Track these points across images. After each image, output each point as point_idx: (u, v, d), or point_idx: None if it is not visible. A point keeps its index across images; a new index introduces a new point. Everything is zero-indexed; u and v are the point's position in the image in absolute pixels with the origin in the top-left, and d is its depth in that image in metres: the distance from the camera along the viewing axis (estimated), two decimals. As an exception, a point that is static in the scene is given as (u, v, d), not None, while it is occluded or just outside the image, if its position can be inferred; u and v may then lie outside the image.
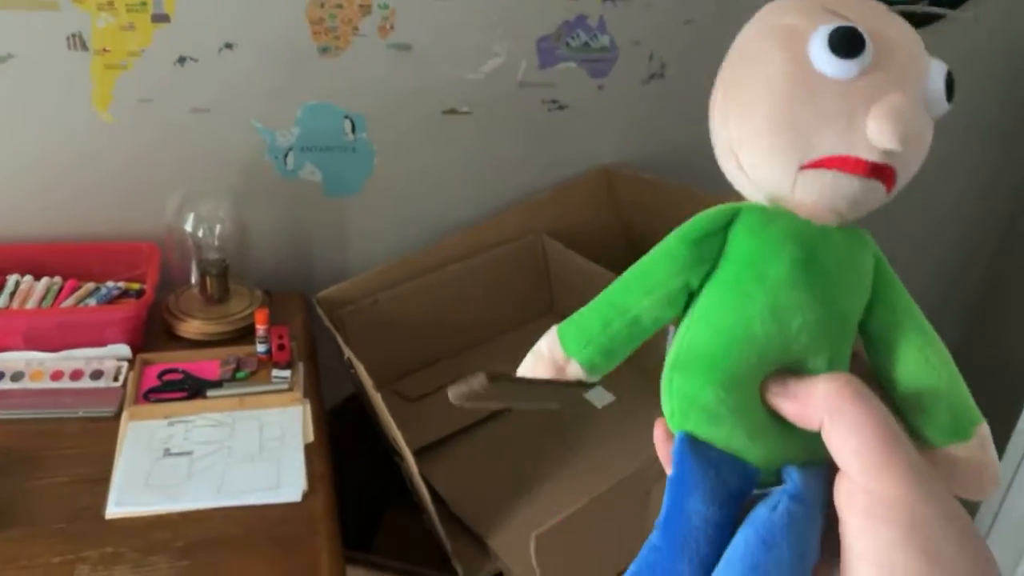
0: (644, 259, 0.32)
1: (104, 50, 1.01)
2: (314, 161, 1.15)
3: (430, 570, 0.93)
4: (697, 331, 0.31)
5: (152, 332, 1.02)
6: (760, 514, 0.28)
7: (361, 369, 0.89)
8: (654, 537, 0.29)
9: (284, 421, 0.90)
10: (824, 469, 0.29)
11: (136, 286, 1.04)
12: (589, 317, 0.33)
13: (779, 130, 0.29)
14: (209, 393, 0.92)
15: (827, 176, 0.29)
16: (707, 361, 0.30)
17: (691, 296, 0.32)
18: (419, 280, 1.09)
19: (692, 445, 0.30)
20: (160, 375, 0.95)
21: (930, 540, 0.25)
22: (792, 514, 0.28)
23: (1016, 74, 1.50)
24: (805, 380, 0.29)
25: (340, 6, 1.07)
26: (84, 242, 1.07)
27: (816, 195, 0.30)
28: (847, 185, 0.29)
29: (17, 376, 0.93)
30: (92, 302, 1.00)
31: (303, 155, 1.14)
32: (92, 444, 0.86)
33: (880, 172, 0.29)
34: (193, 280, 1.06)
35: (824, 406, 0.27)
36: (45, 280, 1.02)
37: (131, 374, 0.94)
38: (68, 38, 0.99)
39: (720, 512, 0.29)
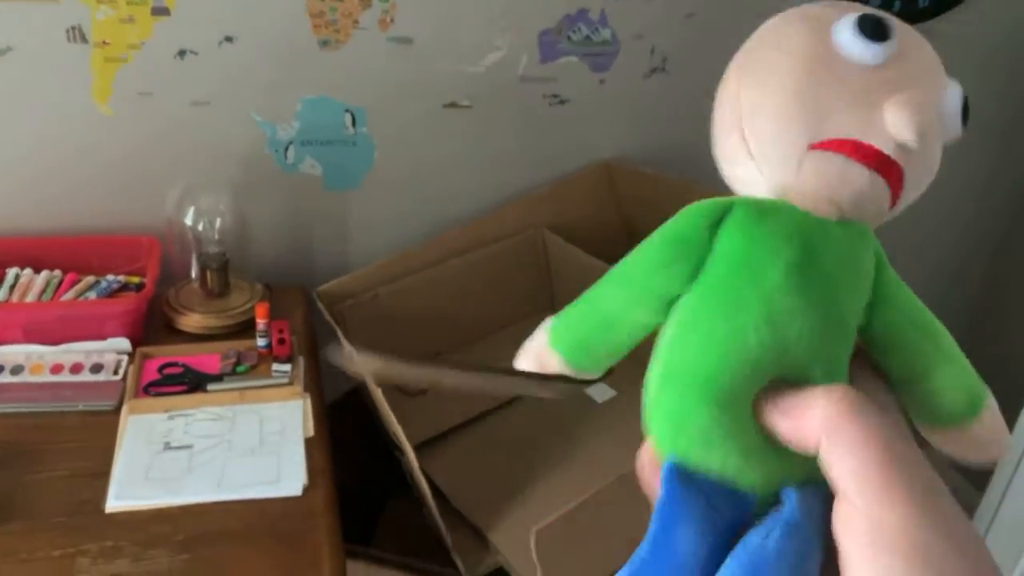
0: (627, 258, 0.30)
1: (104, 43, 1.01)
2: (314, 155, 1.14)
3: (430, 564, 0.93)
4: (685, 342, 0.28)
5: (152, 326, 1.02)
6: (752, 542, 0.26)
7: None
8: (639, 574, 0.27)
9: (284, 415, 0.89)
10: (826, 488, 0.27)
11: (136, 280, 1.04)
12: (573, 312, 0.31)
13: (795, 103, 0.28)
14: (209, 387, 0.92)
15: (836, 161, 0.28)
16: (699, 376, 0.27)
17: (675, 301, 0.29)
18: (419, 274, 1.09)
19: (682, 475, 0.28)
20: (160, 369, 0.95)
21: (935, 568, 0.23)
22: (786, 544, 0.26)
23: (1014, 70, 1.49)
24: (801, 395, 0.27)
25: (341, -1, 1.06)
26: (84, 235, 1.07)
27: (821, 180, 0.28)
28: (855, 175, 0.28)
29: (17, 370, 0.93)
30: (92, 295, 1.00)
31: (303, 148, 1.14)
32: (92, 438, 0.86)
33: (889, 168, 0.28)
34: (193, 274, 1.06)
35: (821, 425, 0.25)
36: (45, 273, 1.02)
37: (131, 368, 0.94)
38: (68, 31, 0.99)
39: (713, 547, 0.27)
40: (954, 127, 0.29)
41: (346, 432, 0.99)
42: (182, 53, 1.04)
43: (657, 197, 1.18)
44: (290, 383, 0.93)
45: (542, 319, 0.33)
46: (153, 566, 0.72)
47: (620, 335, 0.30)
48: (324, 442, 0.87)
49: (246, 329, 1.00)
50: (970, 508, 1.23)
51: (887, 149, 0.28)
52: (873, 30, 0.28)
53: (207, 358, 0.97)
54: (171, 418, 0.88)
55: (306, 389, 0.93)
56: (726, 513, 0.27)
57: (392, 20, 1.09)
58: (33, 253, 1.04)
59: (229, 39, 1.04)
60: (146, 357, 0.97)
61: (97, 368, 0.94)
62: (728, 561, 0.26)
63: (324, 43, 1.08)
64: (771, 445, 0.27)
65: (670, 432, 0.28)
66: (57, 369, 0.94)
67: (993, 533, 1.18)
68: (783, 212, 0.28)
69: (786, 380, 0.27)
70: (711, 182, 0.35)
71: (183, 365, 0.95)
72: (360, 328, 1.02)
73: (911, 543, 0.23)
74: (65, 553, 0.72)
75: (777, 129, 0.28)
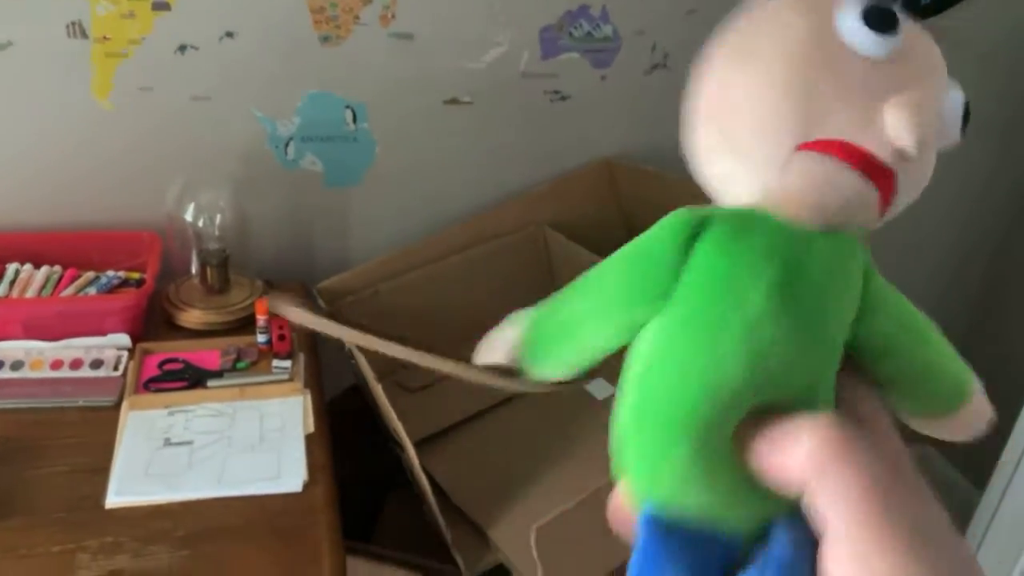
0: (595, 269, 0.28)
1: (104, 38, 1.00)
2: (315, 151, 1.14)
3: (430, 561, 0.93)
4: (662, 372, 0.26)
5: (152, 322, 1.02)
6: None
7: (362, 360, 0.89)
8: None
9: (285, 411, 0.89)
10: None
11: (136, 275, 1.04)
12: (542, 313, 0.30)
13: (788, 95, 0.25)
14: (209, 383, 0.92)
15: (826, 164, 0.25)
16: (678, 410, 0.25)
17: (640, 322, 0.26)
18: (420, 271, 1.09)
19: (660, 524, 0.26)
20: (160, 365, 0.95)
21: None
22: None
23: (1014, 70, 1.49)
24: (785, 427, 0.25)
25: (342, -5, 1.06)
26: (84, 231, 1.07)
27: (807, 182, 0.26)
28: (846, 181, 0.25)
29: (17, 365, 0.93)
30: (92, 291, 1.00)
31: (304, 144, 1.13)
32: (92, 433, 0.85)
33: (882, 174, 0.26)
34: (193, 270, 1.06)
35: (807, 464, 0.24)
36: (45, 269, 1.02)
37: (131, 363, 0.94)
38: (68, 26, 0.99)
39: None
40: (953, 133, 0.27)
41: (346, 428, 0.99)
42: (182, 48, 1.03)
43: (658, 195, 1.18)
44: (290, 379, 0.93)
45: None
46: (153, 562, 0.72)
47: (583, 348, 0.28)
48: (324, 438, 0.87)
49: (246, 325, 1.00)
50: (970, 508, 1.23)
51: (883, 153, 0.25)
52: (881, 21, 0.25)
53: (207, 354, 0.97)
54: (171, 414, 0.88)
55: (306, 385, 0.93)
56: (710, 555, 0.26)
57: (393, 16, 1.09)
58: (33, 248, 1.04)
59: (230, 34, 1.04)
60: (146, 353, 0.97)
61: (97, 364, 0.94)
62: None
63: (325, 39, 1.08)
64: (754, 482, 0.26)
65: (647, 473, 0.26)
66: (57, 365, 0.94)
67: (993, 533, 1.18)
68: (764, 225, 0.26)
69: (769, 405, 0.26)
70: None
71: (183, 361, 0.95)
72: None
73: None
74: (65, 549, 0.72)
75: (765, 125, 0.26)
